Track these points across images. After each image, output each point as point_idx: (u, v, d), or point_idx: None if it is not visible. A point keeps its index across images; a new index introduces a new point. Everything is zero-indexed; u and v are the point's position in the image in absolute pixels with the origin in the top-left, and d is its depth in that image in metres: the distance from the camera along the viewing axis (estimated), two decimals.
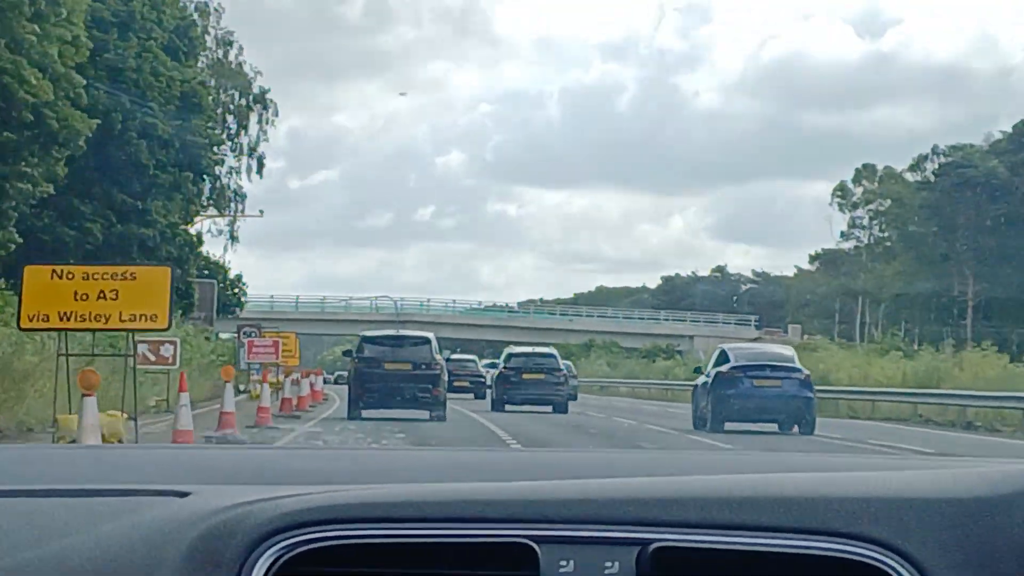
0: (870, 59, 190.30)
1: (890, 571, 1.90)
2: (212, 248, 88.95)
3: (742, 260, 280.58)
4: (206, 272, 66.06)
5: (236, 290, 73.82)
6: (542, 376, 44.02)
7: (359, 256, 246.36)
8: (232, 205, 69.74)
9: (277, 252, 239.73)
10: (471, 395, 59.60)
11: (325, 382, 66.03)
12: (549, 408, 43.26)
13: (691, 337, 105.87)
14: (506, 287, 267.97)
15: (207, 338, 54.10)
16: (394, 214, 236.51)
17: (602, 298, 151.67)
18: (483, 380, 60.85)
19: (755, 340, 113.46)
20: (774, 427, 33.79)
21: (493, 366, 58.94)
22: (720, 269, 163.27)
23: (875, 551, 1.91)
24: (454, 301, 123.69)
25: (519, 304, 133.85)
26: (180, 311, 52.55)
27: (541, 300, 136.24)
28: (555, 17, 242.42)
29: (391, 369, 35.66)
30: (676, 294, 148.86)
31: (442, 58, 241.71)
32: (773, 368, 33.99)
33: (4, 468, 2.30)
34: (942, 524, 1.94)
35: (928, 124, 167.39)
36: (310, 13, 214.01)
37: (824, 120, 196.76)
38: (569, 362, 55.57)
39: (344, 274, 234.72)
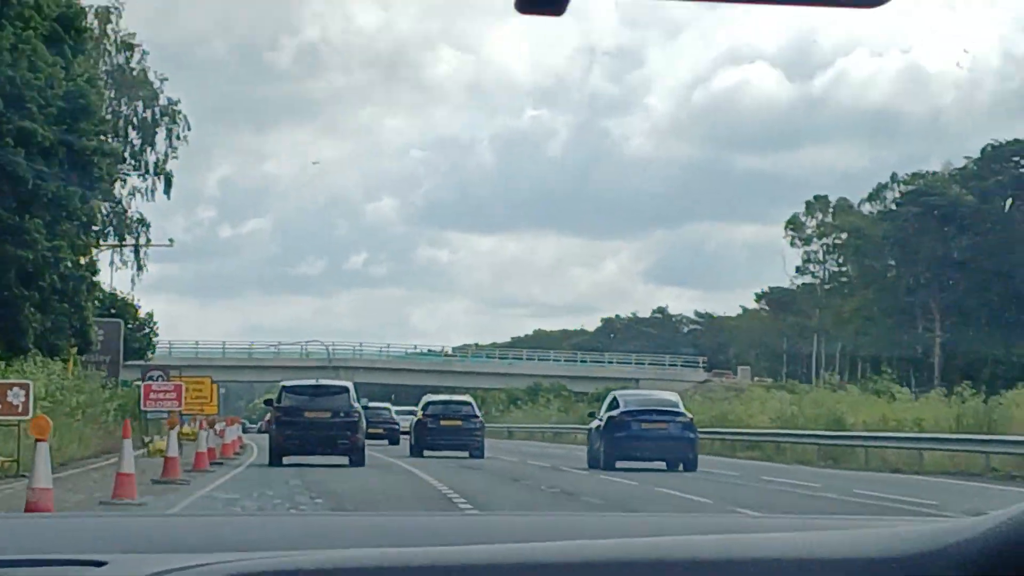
0: (800, 101, 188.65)
1: None
2: (120, 284, 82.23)
3: (677, 303, 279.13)
4: (111, 311, 59.23)
5: (146, 331, 66.40)
6: (459, 423, 45.90)
7: (291, 303, 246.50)
8: (137, 231, 62.28)
9: (208, 301, 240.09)
10: (385, 441, 61.31)
11: (245, 430, 63.53)
12: (466, 453, 44.67)
13: (637, 380, 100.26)
14: (439, 332, 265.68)
15: (103, 385, 47.18)
16: (326, 261, 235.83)
17: (540, 341, 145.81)
18: (396, 427, 63.55)
19: (704, 382, 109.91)
20: (662, 465, 36.34)
21: (405, 414, 62.31)
22: (661, 311, 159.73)
23: None
24: (388, 346, 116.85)
25: (454, 348, 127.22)
26: (74, 354, 45.71)
27: (477, 344, 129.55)
28: (485, 63, 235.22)
29: (311, 417, 36.32)
30: (617, 337, 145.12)
31: (372, 104, 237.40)
32: (659, 412, 37.06)
33: None
34: None
35: (860, 164, 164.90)
36: (240, 60, 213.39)
37: (756, 162, 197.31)
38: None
39: (275, 322, 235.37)
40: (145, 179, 60.47)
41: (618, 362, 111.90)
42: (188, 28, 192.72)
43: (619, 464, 35.88)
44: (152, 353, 69.46)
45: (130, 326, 61.01)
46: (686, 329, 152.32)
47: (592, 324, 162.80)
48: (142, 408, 37.89)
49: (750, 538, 2.07)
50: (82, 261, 45.08)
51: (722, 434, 51.28)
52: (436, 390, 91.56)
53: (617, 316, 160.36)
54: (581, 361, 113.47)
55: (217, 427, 40.02)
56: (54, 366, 38.56)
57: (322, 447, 36.22)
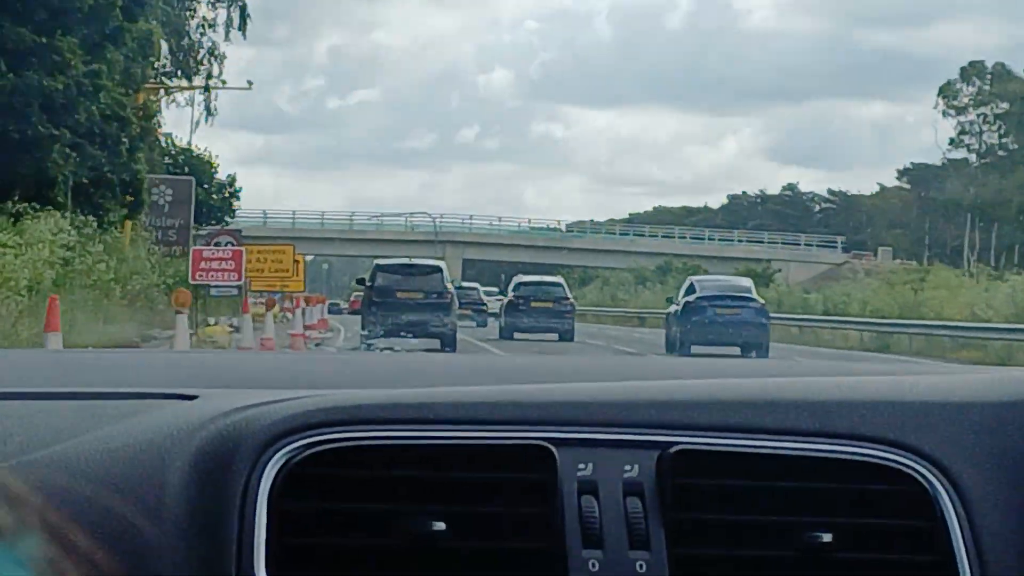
0: None
1: (917, 476, 1.89)
2: (203, 141, 74.08)
3: (804, 183, 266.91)
4: (185, 169, 50.76)
5: (225, 194, 57.48)
6: (550, 305, 45.76)
7: (398, 178, 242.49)
8: (208, 68, 53.26)
9: (311, 173, 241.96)
10: (472, 323, 59.29)
11: (332, 311, 60.68)
12: (556, 336, 44.49)
13: (768, 260, 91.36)
14: (551, 209, 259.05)
15: (170, 255, 38.95)
16: (436, 135, 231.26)
17: (660, 219, 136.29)
18: (484, 308, 62.37)
19: (842, 264, 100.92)
20: (736, 350, 36.36)
21: (492, 295, 61.85)
22: (791, 188, 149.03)
23: (901, 455, 1.89)
24: (499, 219, 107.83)
25: (568, 226, 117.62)
26: (123, 215, 37.29)
27: (592, 221, 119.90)
28: None
29: (403, 298, 35.85)
30: (742, 214, 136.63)
31: None
32: (733, 298, 38.14)
33: (9, 372, 2.28)
34: (971, 429, 1.92)
35: (993, 42, 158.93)
36: None
37: (886, 38, 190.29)
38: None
39: (381, 196, 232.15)
40: (216, 9, 51.20)
41: (748, 240, 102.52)
42: None
43: (694, 349, 36.78)
44: (231, 218, 60.47)
45: (205, 186, 52.22)
46: (818, 208, 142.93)
47: (716, 202, 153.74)
48: (190, 280, 29.33)
49: (865, 381, 2.05)
50: (139, 101, 36.62)
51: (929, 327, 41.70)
52: (552, 269, 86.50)
53: (744, 192, 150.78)
54: (708, 239, 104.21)
55: (285, 305, 36.45)
56: (84, 223, 30.53)
57: (414, 329, 35.63)
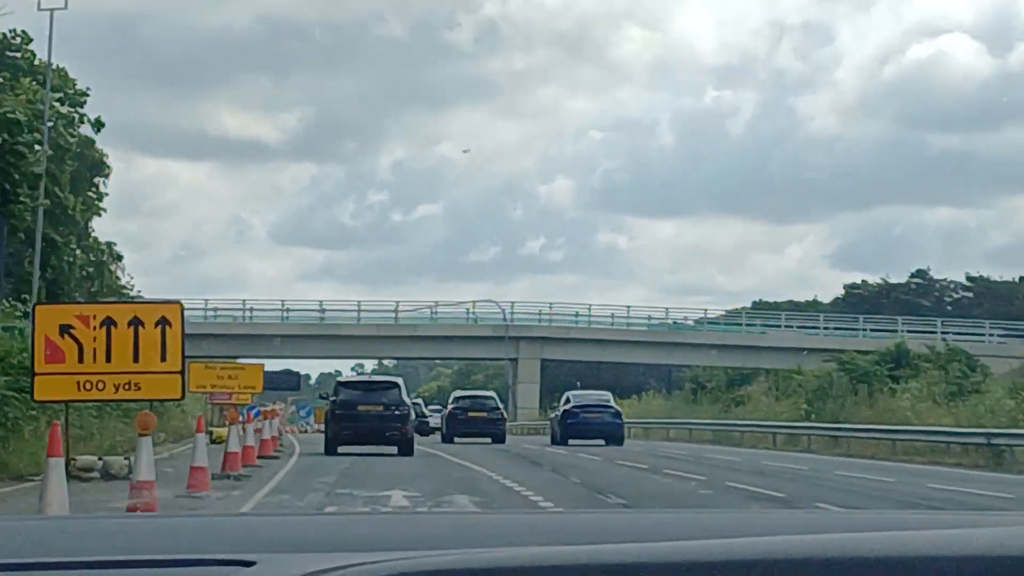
0: (1000, 75, 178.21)
1: None
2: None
3: (928, 267, 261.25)
4: None
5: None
6: (484, 414, 54.02)
7: (463, 292, 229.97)
8: None
9: (375, 289, 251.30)
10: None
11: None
12: (489, 439, 51.76)
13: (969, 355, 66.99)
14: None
15: None
16: (499, 247, 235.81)
17: (765, 312, 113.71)
18: (427, 421, 68.04)
19: None
20: (601, 441, 49.92)
21: (435, 411, 70.60)
22: (921, 274, 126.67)
23: None
24: (589, 307, 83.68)
25: (674, 320, 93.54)
26: None
27: (706, 311, 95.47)
28: (670, 40, 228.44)
29: (364, 410, 39.70)
30: (865, 307, 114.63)
31: (553, 83, 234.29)
32: (596, 406, 52.63)
33: (66, 540, 2.28)
34: None
35: None
36: (418, 40, 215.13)
37: (952, 141, 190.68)
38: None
39: None
40: None
41: (917, 330, 79.22)
42: (364, 6, 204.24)
43: (570, 441, 50.29)
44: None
45: None
46: (954, 296, 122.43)
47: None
48: None
49: (882, 536, 1.98)
50: None
51: None
52: (665, 372, 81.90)
53: (864, 281, 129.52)
54: (871, 330, 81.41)
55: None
56: None
57: (374, 438, 39.34)
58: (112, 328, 18.99)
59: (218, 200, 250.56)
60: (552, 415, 55.73)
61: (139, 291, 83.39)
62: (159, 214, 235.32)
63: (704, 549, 1.89)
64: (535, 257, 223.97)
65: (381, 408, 39.49)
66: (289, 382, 75.24)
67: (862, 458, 37.80)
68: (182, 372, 19.98)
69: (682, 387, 77.11)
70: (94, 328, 18.92)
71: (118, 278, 69.65)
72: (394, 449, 38.97)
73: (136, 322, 19.24)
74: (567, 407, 52.57)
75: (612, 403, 53.60)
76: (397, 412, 39.54)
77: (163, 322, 19.70)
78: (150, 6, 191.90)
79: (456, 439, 52.00)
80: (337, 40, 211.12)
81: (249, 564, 1.96)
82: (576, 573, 1.79)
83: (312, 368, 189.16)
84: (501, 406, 56.03)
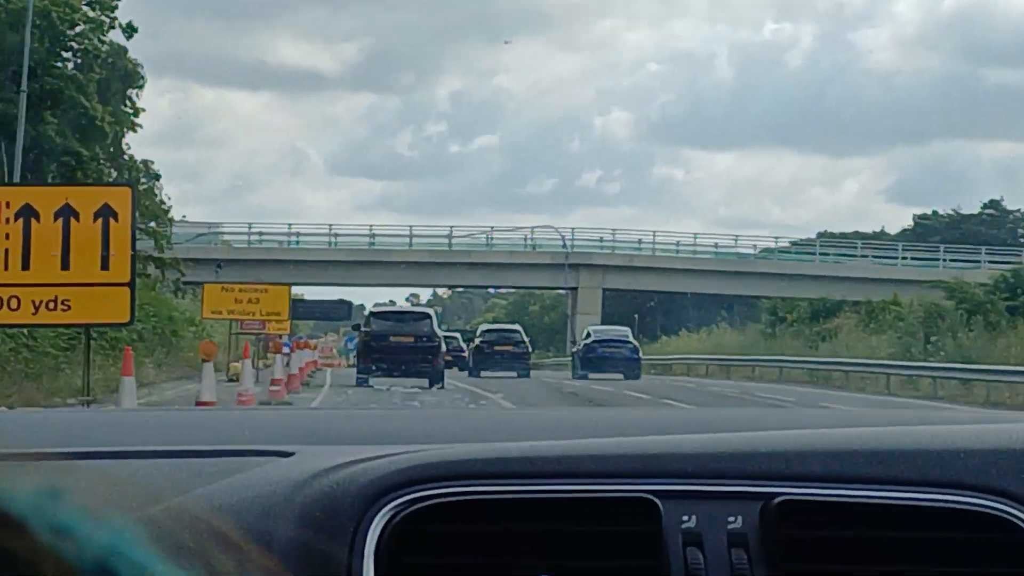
0: None
1: (1018, 523, 1.88)
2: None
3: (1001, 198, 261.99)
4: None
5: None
6: (510, 347, 54.34)
7: (520, 223, 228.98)
8: None
9: (432, 220, 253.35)
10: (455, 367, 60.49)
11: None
12: (514, 373, 51.91)
13: None
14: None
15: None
16: (556, 180, 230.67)
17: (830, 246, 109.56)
18: (463, 355, 63.11)
19: None
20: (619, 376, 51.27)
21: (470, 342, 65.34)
22: (994, 204, 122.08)
23: (1004, 504, 1.89)
24: (654, 233, 78.96)
25: (760, 250, 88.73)
26: None
27: (776, 239, 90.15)
28: None
29: (396, 341, 39.70)
30: (935, 237, 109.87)
31: (611, 16, 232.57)
32: (615, 341, 54.37)
33: (111, 432, 2.36)
34: None
35: None
36: None
37: (1008, 76, 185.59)
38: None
39: None
40: None
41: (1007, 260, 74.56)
42: None
43: (591, 376, 50.72)
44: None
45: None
46: None
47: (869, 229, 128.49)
48: None
49: (961, 429, 2.03)
50: None
51: None
52: (739, 303, 77.70)
53: (935, 212, 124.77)
54: (942, 262, 76.68)
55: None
56: None
57: (405, 370, 39.08)
58: (32, 221, 13.10)
59: (274, 130, 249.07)
60: (573, 349, 58.15)
61: (184, 215, 79.79)
62: (215, 144, 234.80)
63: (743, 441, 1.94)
64: (591, 189, 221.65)
65: (412, 339, 39.70)
66: (339, 311, 71.43)
67: (1007, 406, 31.52)
68: (131, 285, 14.00)
69: (757, 319, 72.35)
70: (6, 221, 13.09)
71: (162, 201, 65.45)
72: (425, 382, 39.06)
73: (67, 212, 13.29)
74: (587, 341, 54.67)
75: (631, 339, 55.47)
76: (428, 344, 39.80)
77: (106, 213, 13.72)
78: None
79: (483, 373, 52.35)
80: None
81: (288, 455, 2.00)
82: (601, 463, 1.86)
83: (367, 297, 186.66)
84: (527, 340, 56.77)
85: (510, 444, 1.96)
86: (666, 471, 1.87)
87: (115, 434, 2.31)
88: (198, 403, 17.80)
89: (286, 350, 38.44)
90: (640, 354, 54.96)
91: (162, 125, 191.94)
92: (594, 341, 54.16)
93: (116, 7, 51.35)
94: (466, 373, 54.45)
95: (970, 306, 45.94)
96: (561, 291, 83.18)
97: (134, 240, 14.20)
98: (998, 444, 1.93)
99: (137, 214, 14.54)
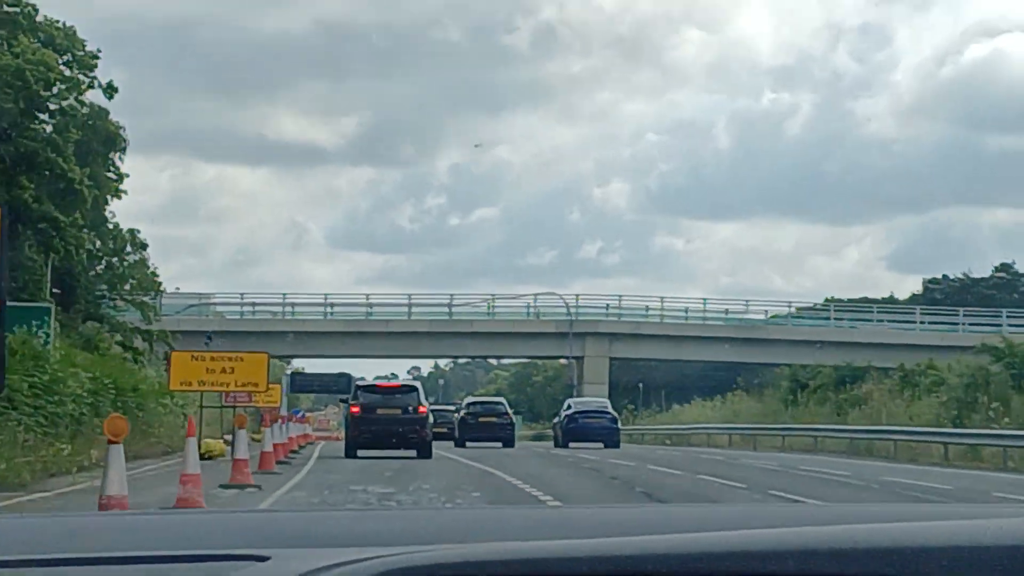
0: None
1: None
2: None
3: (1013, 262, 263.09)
4: None
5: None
6: (495, 419, 57.17)
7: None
8: None
9: (433, 292, 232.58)
10: (451, 442, 60.33)
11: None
12: (499, 444, 54.36)
13: None
14: None
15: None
16: (557, 251, 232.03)
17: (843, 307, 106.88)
18: (453, 426, 63.74)
19: None
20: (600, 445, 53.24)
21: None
22: (1006, 267, 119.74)
23: None
24: (662, 299, 75.80)
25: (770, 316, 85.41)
26: None
27: (791, 304, 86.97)
28: (728, 43, 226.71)
29: (383, 414, 40.57)
30: (947, 302, 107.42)
31: (609, 87, 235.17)
32: (595, 412, 56.94)
33: (84, 536, 2.29)
34: None
35: None
36: (475, 43, 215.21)
37: (1012, 141, 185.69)
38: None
39: None
40: None
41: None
42: (421, 10, 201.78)
43: (571, 444, 53.90)
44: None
45: None
46: None
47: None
48: None
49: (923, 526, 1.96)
50: None
51: None
52: (751, 371, 75.75)
53: (944, 276, 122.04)
54: (961, 327, 73.82)
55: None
56: None
57: (393, 442, 40.09)
58: None
59: (275, 205, 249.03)
60: (555, 420, 61.37)
61: (177, 287, 77.29)
62: (216, 219, 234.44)
63: (718, 540, 1.84)
64: (592, 260, 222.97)
65: (399, 412, 40.53)
66: (339, 384, 70.61)
67: None
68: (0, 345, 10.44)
69: (772, 385, 69.20)
70: None
71: (153, 273, 62.73)
72: (413, 452, 39.85)
73: None
74: (568, 412, 57.28)
75: (610, 410, 57.72)
76: (415, 415, 40.55)
77: None
78: (208, 11, 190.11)
79: (468, 443, 54.52)
80: (395, 44, 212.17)
81: (263, 559, 1.96)
82: (583, 565, 1.77)
83: (367, 370, 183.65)
84: (510, 411, 59.27)
85: (487, 545, 1.88)
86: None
87: (84, 540, 2.21)
88: (101, 497, 15.51)
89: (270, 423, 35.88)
90: (619, 424, 57.46)
91: (163, 200, 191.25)
92: (575, 412, 56.67)
93: (96, 66, 48.75)
94: (452, 443, 56.16)
95: (1019, 370, 42.89)
96: (564, 361, 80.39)
97: (3, 281, 10.59)
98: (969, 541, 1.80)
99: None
